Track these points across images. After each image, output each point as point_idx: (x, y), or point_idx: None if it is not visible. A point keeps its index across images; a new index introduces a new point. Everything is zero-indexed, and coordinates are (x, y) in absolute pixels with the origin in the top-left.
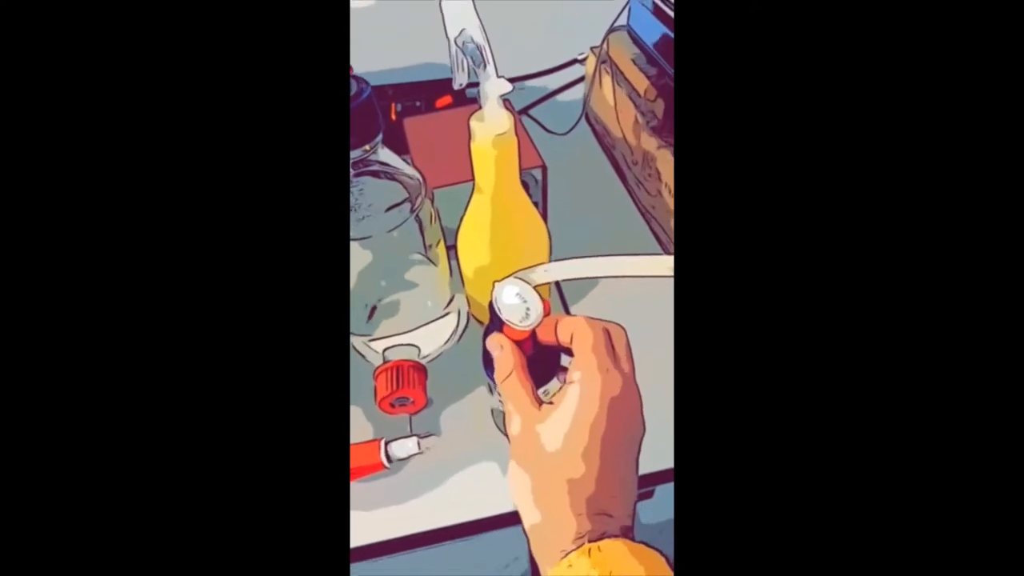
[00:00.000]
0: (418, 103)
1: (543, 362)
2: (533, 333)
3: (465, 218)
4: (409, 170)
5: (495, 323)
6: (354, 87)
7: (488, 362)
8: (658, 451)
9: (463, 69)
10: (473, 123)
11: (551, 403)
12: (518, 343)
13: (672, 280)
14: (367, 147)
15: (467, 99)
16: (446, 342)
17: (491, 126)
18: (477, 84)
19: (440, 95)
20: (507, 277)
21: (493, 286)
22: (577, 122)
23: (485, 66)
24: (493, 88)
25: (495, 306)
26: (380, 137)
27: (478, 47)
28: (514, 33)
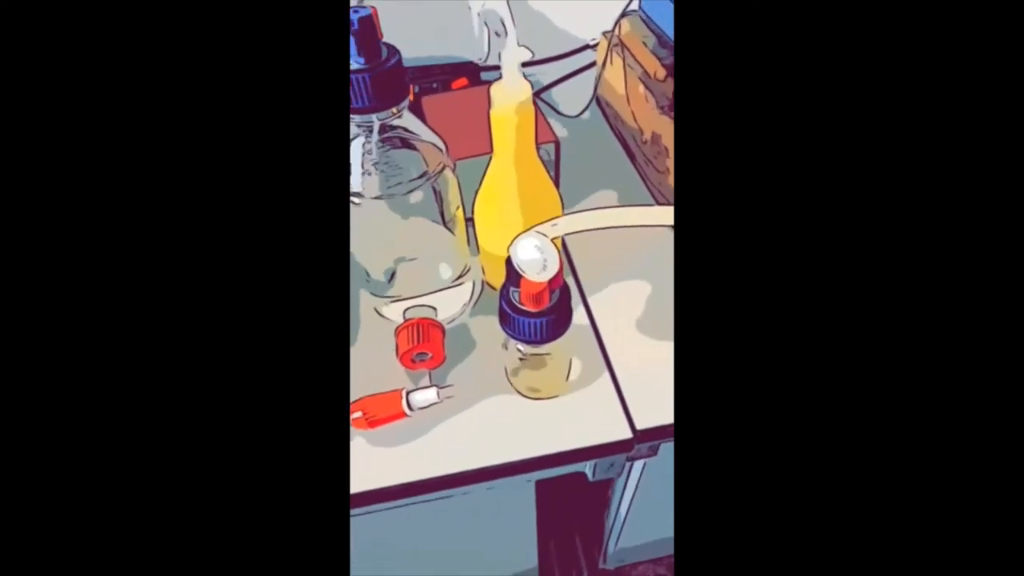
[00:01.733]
0: (435, 84)
1: (559, 313)
2: (549, 284)
3: (482, 187)
4: (432, 137)
5: (512, 278)
6: (384, 52)
7: (506, 319)
8: (659, 407)
9: (485, 41)
10: (494, 91)
11: None
12: (537, 294)
13: (672, 234)
14: (395, 110)
15: (482, 81)
16: (461, 309)
17: (511, 93)
18: (497, 67)
19: (456, 77)
20: (523, 232)
21: (510, 249)
22: (588, 104)
23: (506, 35)
24: (513, 55)
25: (513, 261)
26: (407, 101)
27: (500, 18)
28: (528, 20)
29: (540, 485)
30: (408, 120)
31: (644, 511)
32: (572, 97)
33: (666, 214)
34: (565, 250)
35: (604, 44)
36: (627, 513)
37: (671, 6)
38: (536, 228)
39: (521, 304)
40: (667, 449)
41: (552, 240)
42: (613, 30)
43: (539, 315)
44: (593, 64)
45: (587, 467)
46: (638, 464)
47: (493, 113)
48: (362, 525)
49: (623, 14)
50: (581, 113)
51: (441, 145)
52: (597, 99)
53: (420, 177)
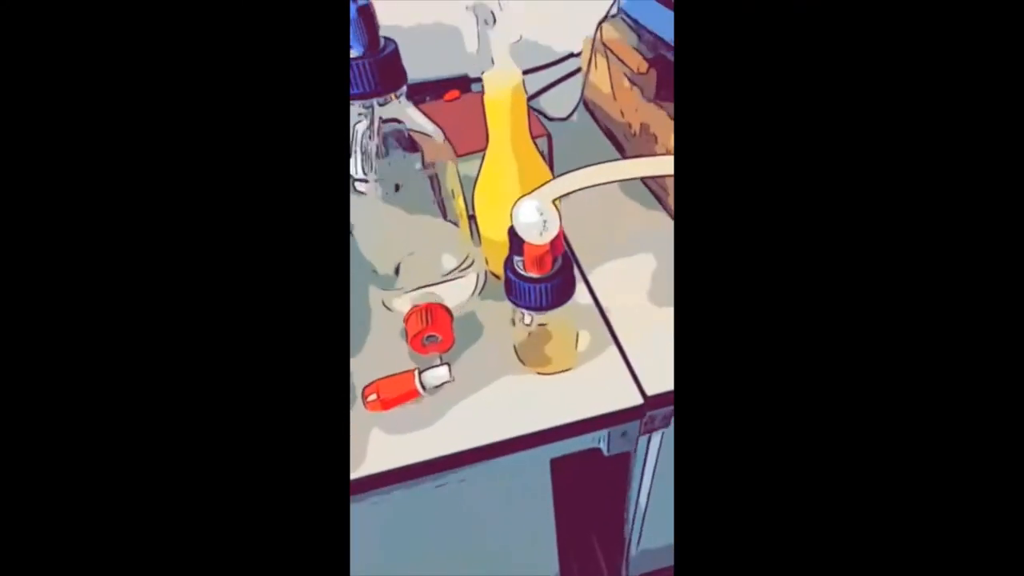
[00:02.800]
0: (427, 98)
1: (562, 277)
2: (551, 248)
3: (480, 175)
4: (432, 127)
5: (515, 247)
6: (382, 41)
7: (511, 288)
8: (668, 373)
9: (475, 33)
10: (486, 77)
11: None
12: (539, 258)
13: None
14: (393, 95)
15: (473, 92)
16: (467, 299)
17: (503, 77)
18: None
19: (448, 90)
20: (521, 198)
21: (511, 214)
22: (576, 107)
23: (495, 23)
24: (504, 38)
25: (515, 225)
26: (405, 88)
27: (490, 10)
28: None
29: (557, 483)
30: (408, 113)
31: (667, 505)
32: (559, 102)
33: (665, 164)
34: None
35: (587, 48)
36: (647, 501)
37: (652, 3)
38: (534, 193)
39: (525, 271)
40: None
41: (552, 202)
42: (595, 35)
43: (543, 280)
44: (578, 71)
45: (601, 440)
46: (655, 442)
47: (487, 99)
48: (372, 515)
49: (604, 18)
50: (570, 115)
51: (440, 135)
52: (584, 102)
53: (423, 167)
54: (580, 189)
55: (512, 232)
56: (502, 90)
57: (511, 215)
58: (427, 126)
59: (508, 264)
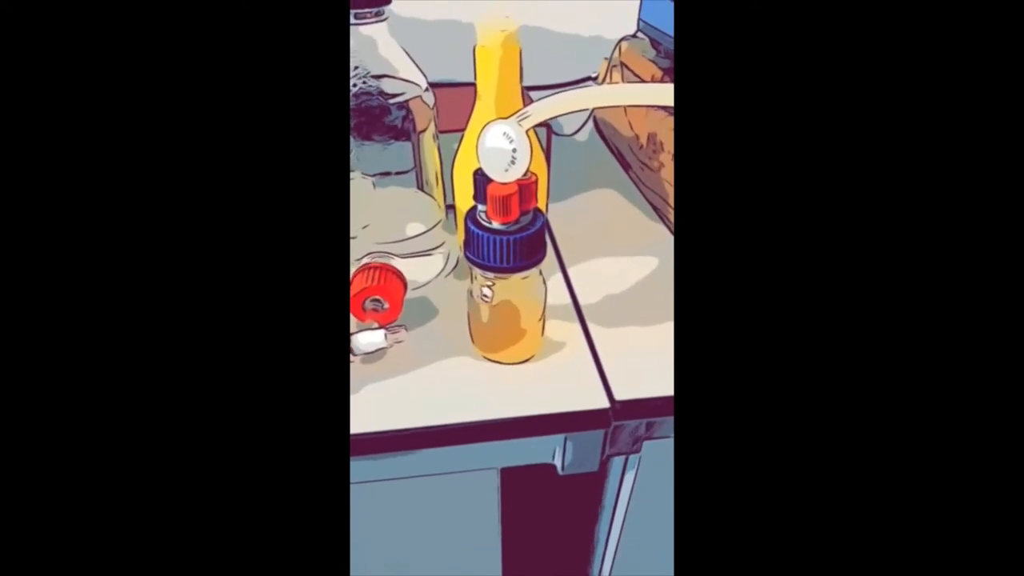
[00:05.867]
0: None
1: (531, 234)
2: (521, 193)
3: (462, 146)
4: (420, 77)
5: (480, 194)
6: None
7: (470, 242)
8: (643, 383)
9: None
10: (478, 24)
11: None
12: (504, 199)
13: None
14: (373, 12)
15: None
16: (432, 278)
17: (496, 23)
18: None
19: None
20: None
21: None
22: (585, 122)
23: None
24: None
25: (479, 156)
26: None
27: None
28: (534, 49)
29: (507, 502)
30: (387, 46)
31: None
32: (569, 119)
33: (664, 93)
34: (553, 242)
35: (604, 66)
36: (616, 554)
37: (671, 6)
38: (513, 116)
39: (487, 219)
40: (662, 449)
41: (528, 133)
42: (612, 52)
43: (508, 233)
44: None
45: (556, 453)
46: (628, 478)
47: (478, 49)
48: None
49: (622, 39)
50: (577, 131)
51: (424, 83)
52: (595, 120)
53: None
54: (566, 113)
55: (477, 176)
56: (496, 37)
57: (477, 140)
58: (415, 75)
59: (470, 214)
